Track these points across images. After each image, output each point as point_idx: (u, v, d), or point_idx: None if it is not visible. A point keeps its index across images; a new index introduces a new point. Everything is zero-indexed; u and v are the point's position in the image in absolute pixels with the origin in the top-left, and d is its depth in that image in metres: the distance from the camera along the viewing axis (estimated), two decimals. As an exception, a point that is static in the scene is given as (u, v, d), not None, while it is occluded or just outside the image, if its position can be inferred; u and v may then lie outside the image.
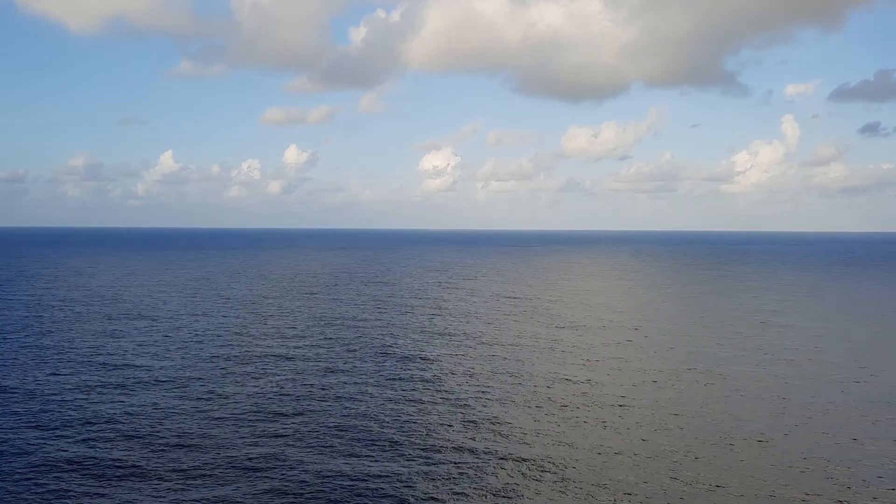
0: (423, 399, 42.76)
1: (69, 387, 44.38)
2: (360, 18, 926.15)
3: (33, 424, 36.65)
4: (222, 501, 27.67)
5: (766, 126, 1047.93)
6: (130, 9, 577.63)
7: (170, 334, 63.09)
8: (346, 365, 51.33)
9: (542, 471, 30.96)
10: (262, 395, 43.05)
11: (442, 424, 37.33)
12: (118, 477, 29.98)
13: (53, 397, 41.88)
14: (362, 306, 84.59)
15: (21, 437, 34.70)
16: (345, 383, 46.05)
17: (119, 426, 36.42)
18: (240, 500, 27.82)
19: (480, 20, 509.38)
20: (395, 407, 40.64)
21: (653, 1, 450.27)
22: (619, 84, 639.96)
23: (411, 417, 38.58)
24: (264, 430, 35.94)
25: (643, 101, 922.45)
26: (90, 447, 33.36)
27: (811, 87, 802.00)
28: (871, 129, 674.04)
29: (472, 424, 37.45)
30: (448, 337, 63.90)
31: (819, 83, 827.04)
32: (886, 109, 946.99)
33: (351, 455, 32.63)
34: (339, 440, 34.66)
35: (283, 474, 30.29)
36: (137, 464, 31.30)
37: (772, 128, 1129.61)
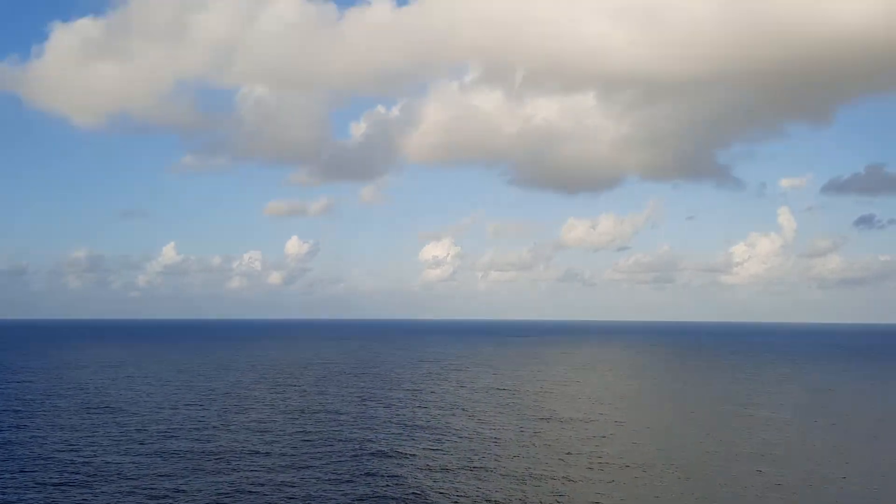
0: (393, 496, 41.89)
1: (32, 484, 43.55)
2: (360, 114, 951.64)
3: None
4: None
5: (762, 218, 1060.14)
6: (135, 105, 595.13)
7: (147, 427, 62.24)
8: (320, 461, 50.45)
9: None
10: (227, 493, 42.19)
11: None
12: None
13: (12, 496, 41.03)
14: (347, 399, 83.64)
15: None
16: (317, 480, 45.19)
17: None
18: None
19: (477, 114, 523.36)
20: (363, 505, 39.77)
21: (645, 97, 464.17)
22: (615, 177, 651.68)
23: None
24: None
25: (639, 194, 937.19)
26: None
27: (804, 181, 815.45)
28: (865, 221, 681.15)
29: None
30: (429, 431, 62.98)
31: (811, 176, 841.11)
32: (879, 202, 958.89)
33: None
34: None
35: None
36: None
37: (768, 220, 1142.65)
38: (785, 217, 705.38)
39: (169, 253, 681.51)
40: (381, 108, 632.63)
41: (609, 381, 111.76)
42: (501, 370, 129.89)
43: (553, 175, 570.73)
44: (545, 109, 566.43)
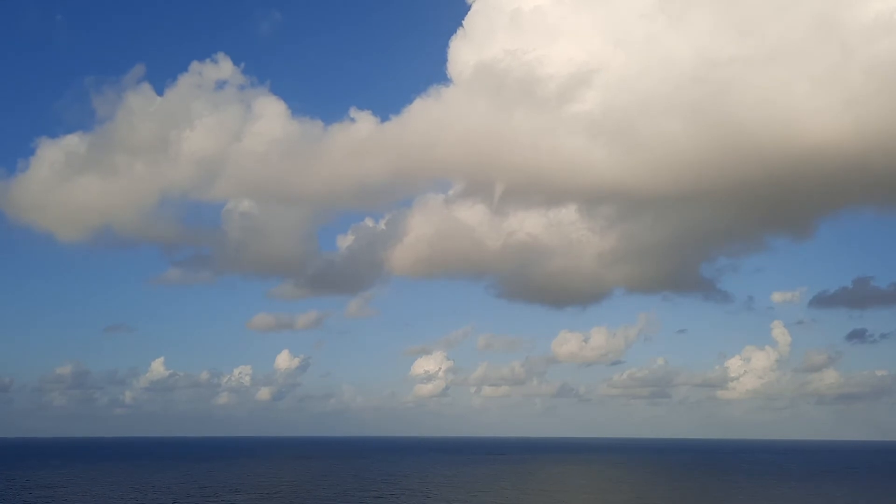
0: None
1: None
2: (347, 227, 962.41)
3: None
4: None
5: (753, 332, 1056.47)
6: (118, 220, 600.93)
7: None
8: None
9: None
10: None
11: None
12: None
13: None
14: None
15: None
16: None
17: None
18: None
19: (461, 228, 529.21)
20: None
21: (627, 211, 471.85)
22: (601, 291, 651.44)
23: None
24: None
25: (627, 307, 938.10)
26: None
27: (791, 295, 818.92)
28: (857, 335, 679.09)
29: None
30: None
31: (798, 290, 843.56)
32: (869, 316, 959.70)
33: None
34: None
35: None
36: None
37: (759, 334, 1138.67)
38: (779, 331, 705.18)
39: (157, 368, 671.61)
40: (369, 222, 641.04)
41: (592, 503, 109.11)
42: (482, 492, 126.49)
43: (539, 289, 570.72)
44: (528, 223, 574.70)
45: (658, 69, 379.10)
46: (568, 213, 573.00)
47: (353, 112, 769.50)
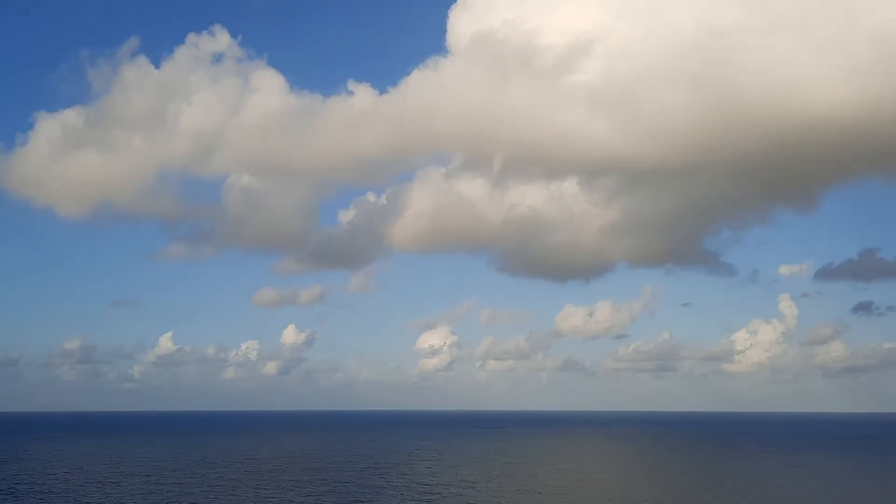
0: None
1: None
2: (348, 201, 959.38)
3: None
4: None
5: (758, 305, 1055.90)
6: (117, 194, 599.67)
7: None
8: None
9: None
10: None
11: None
12: None
13: None
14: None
15: None
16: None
17: None
18: None
19: (461, 202, 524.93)
20: None
21: (628, 183, 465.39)
22: (604, 264, 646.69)
23: None
24: None
25: (630, 281, 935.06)
26: None
27: (796, 268, 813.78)
28: (864, 308, 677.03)
29: None
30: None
31: (803, 263, 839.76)
32: (875, 288, 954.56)
33: None
34: None
35: None
36: None
37: (764, 307, 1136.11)
38: (785, 304, 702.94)
39: (165, 343, 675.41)
40: (370, 196, 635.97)
41: (597, 476, 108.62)
42: (482, 465, 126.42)
43: (541, 263, 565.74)
44: (530, 197, 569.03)
45: (659, 38, 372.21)
46: (569, 186, 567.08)
47: (351, 85, 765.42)
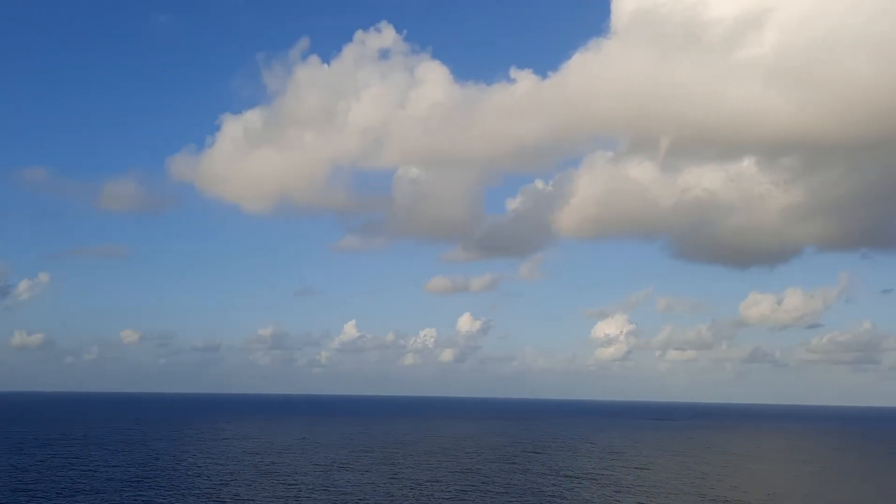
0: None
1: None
2: (514, 189, 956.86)
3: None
4: None
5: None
6: (295, 190, 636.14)
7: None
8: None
9: None
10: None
11: None
12: None
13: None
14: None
15: None
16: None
17: None
18: None
19: (630, 186, 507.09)
20: None
21: (813, 162, 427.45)
22: (790, 249, 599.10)
23: None
24: None
25: (821, 266, 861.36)
26: None
27: None
28: None
29: None
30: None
31: None
32: None
33: None
34: None
35: None
36: None
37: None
38: None
39: (349, 330, 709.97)
40: (539, 183, 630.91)
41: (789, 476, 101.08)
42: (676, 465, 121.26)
43: (719, 248, 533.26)
44: (702, 179, 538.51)
45: (841, 3, 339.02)
46: (747, 167, 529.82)
47: (513, 72, 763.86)
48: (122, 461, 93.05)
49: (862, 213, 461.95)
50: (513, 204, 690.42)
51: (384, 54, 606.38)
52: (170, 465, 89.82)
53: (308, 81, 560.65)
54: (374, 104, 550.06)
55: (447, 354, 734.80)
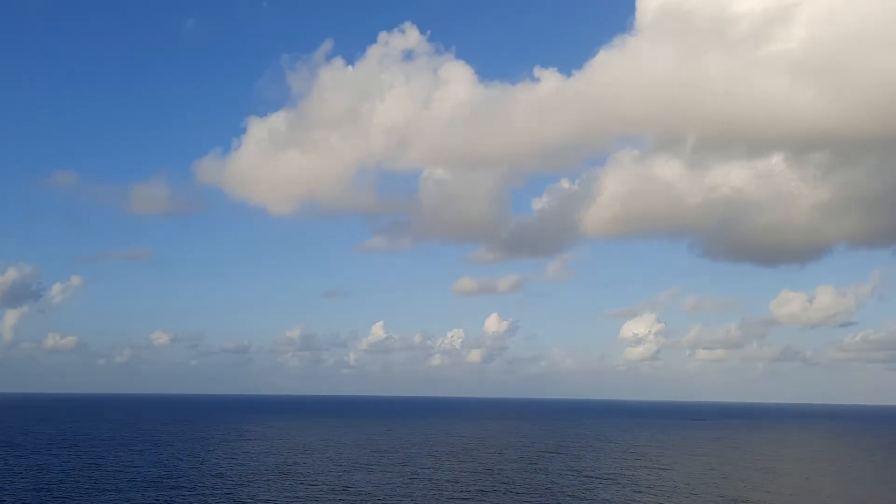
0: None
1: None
2: (540, 189, 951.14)
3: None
4: None
5: None
6: (321, 191, 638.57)
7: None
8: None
9: None
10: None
11: None
12: None
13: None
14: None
15: None
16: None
17: None
18: None
19: (656, 185, 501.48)
20: None
21: (843, 157, 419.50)
22: (820, 246, 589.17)
23: None
24: None
25: (853, 264, 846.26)
26: None
27: None
28: None
29: None
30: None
31: None
32: None
33: None
34: None
35: None
36: None
37: None
38: None
39: (377, 331, 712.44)
40: (564, 183, 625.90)
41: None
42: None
43: (748, 246, 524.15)
44: (729, 176, 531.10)
45: None
46: (775, 164, 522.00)
47: (537, 71, 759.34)
48: (147, 461, 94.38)
49: (894, 209, 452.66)
50: (538, 204, 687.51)
51: (408, 55, 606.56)
52: (193, 465, 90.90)
53: (332, 83, 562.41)
54: (398, 105, 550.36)
55: (475, 355, 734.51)
